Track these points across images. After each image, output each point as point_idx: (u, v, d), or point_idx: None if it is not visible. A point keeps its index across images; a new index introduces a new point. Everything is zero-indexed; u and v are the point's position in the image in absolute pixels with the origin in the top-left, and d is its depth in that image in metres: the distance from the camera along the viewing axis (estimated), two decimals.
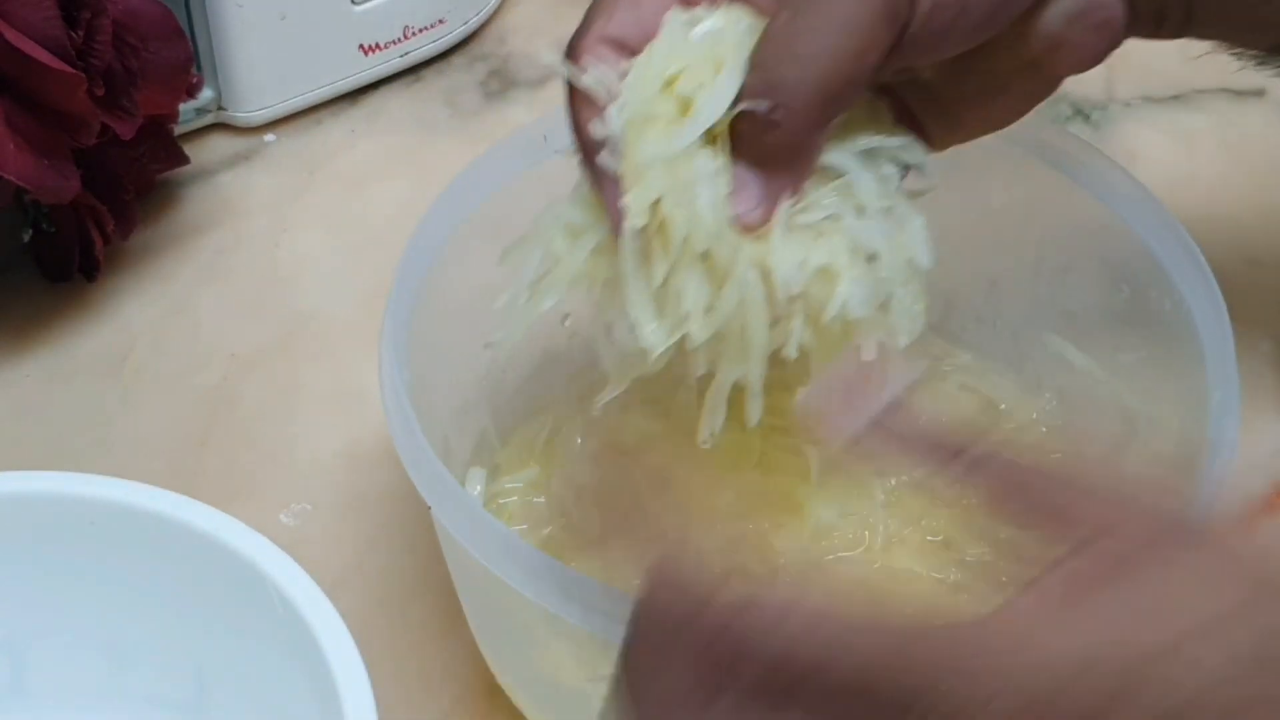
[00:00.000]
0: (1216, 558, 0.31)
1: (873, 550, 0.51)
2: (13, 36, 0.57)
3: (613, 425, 0.56)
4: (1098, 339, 0.54)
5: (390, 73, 0.75)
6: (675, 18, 0.44)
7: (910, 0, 0.41)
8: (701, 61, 0.42)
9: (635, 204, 0.42)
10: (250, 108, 0.72)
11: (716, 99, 0.42)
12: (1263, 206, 0.70)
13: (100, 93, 0.59)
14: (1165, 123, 0.73)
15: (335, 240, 0.69)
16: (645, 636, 0.33)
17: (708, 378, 0.45)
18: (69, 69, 0.58)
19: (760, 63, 0.42)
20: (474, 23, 0.77)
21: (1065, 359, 0.56)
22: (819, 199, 0.43)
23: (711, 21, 0.43)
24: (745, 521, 0.53)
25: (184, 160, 0.68)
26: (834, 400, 0.39)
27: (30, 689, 0.50)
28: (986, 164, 0.53)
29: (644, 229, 0.42)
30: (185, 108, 0.69)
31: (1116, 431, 0.53)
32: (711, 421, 0.45)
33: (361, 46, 0.73)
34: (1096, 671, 0.29)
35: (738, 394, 0.51)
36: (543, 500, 0.54)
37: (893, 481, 0.52)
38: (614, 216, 0.42)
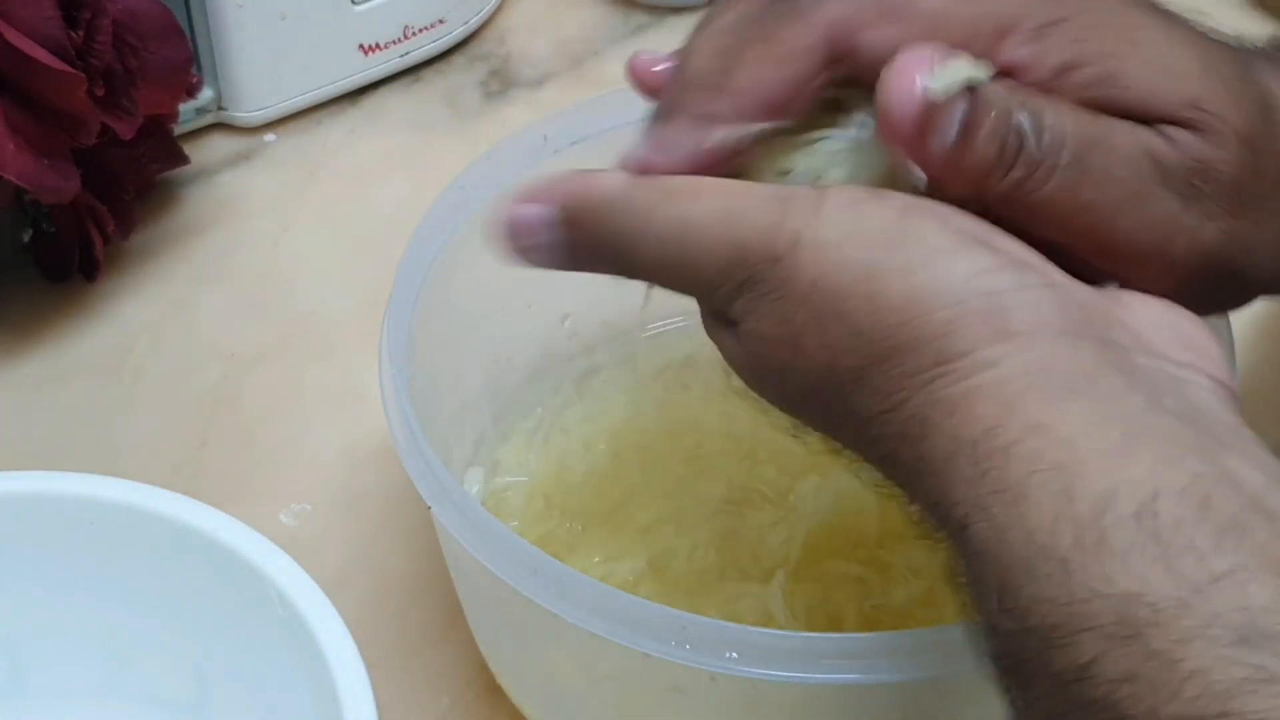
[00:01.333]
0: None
1: (868, 544, 0.51)
2: (13, 36, 0.57)
3: (608, 420, 0.56)
4: None
5: (390, 73, 0.75)
6: None
7: None
8: None
9: None
10: (250, 108, 0.72)
11: None
12: None
13: (100, 93, 0.59)
14: None
15: (335, 240, 0.69)
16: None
17: None
18: (69, 69, 0.58)
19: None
20: (474, 23, 0.77)
21: None
22: None
23: None
24: (737, 513, 0.53)
25: (184, 160, 0.68)
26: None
27: (30, 688, 0.50)
28: None
29: None
30: (185, 108, 0.69)
31: None
32: None
33: (361, 46, 0.73)
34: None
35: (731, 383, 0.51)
36: (541, 498, 0.54)
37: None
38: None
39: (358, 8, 0.72)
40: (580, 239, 0.40)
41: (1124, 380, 0.34)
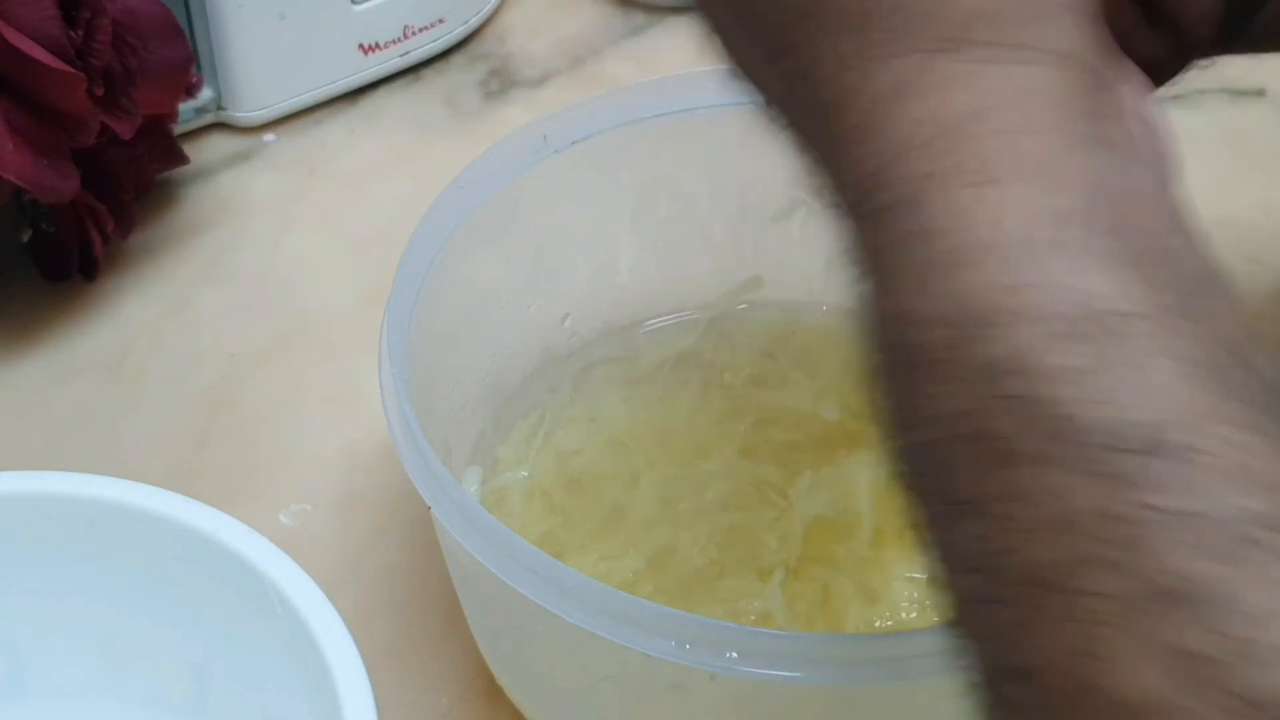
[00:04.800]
0: None
1: (860, 542, 0.51)
2: (12, 36, 0.57)
3: (607, 418, 0.56)
4: None
5: (390, 73, 0.75)
6: None
7: None
8: None
9: None
10: (250, 107, 0.72)
11: None
12: (1263, 206, 0.70)
13: (100, 92, 0.59)
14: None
15: (335, 240, 0.69)
16: None
17: None
18: (69, 69, 0.58)
19: None
20: (474, 23, 0.77)
21: None
22: None
23: None
24: (737, 511, 0.53)
25: (184, 160, 0.68)
26: None
27: (29, 688, 0.50)
28: None
29: None
30: (185, 107, 0.69)
31: None
32: None
33: (361, 46, 0.73)
34: None
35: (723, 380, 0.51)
36: (541, 496, 0.54)
37: (883, 478, 0.52)
38: None
39: (358, 8, 0.72)
40: None
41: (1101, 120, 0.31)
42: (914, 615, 0.50)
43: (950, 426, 0.28)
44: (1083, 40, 0.31)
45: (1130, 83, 0.34)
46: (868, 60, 0.31)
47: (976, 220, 0.28)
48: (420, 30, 0.75)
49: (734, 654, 0.41)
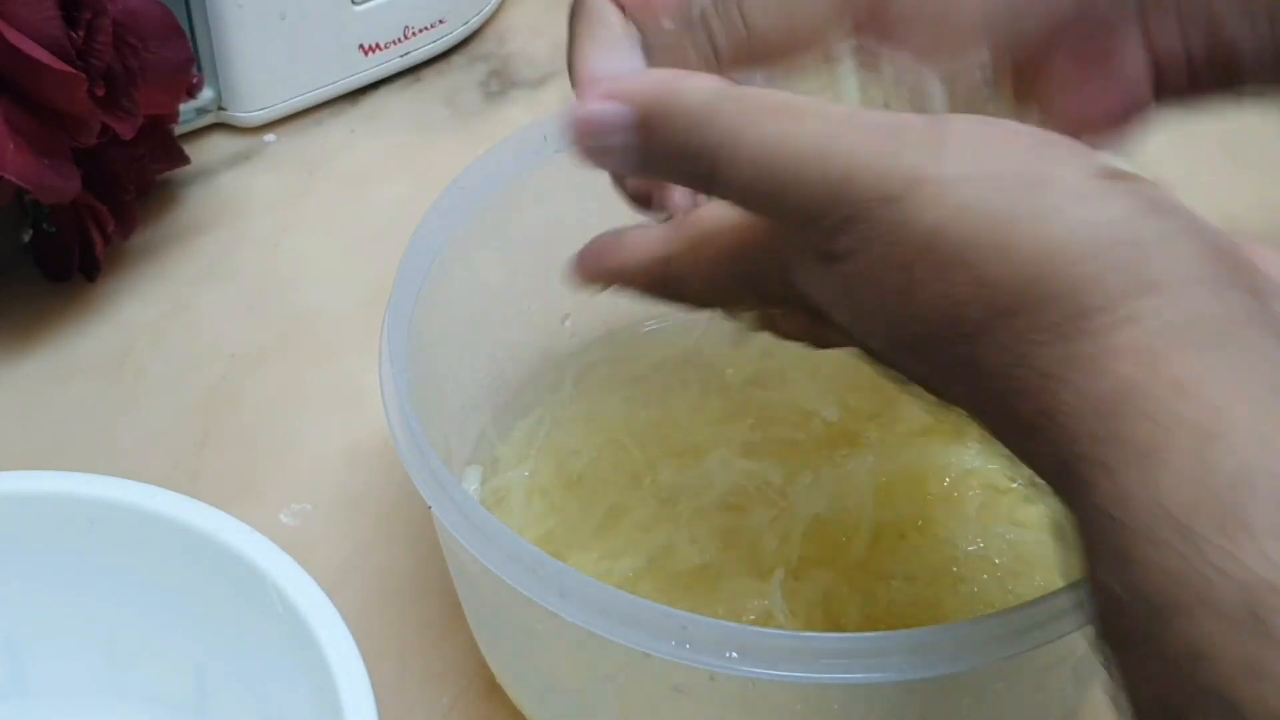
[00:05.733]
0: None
1: (860, 542, 0.51)
2: (13, 36, 0.57)
3: (607, 418, 0.56)
4: None
5: (390, 73, 0.75)
6: None
7: None
8: None
9: None
10: (250, 108, 0.72)
11: None
12: (1263, 206, 0.70)
13: (100, 93, 0.59)
14: (1165, 123, 0.73)
15: (335, 240, 0.69)
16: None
17: None
18: (69, 69, 0.58)
19: None
20: (474, 23, 0.77)
21: None
22: None
23: None
24: (737, 510, 0.53)
25: (184, 160, 0.68)
26: None
27: (30, 688, 0.50)
28: None
29: None
30: (185, 108, 0.69)
31: None
32: None
33: (361, 46, 0.73)
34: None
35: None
36: (541, 496, 0.54)
37: (883, 478, 0.52)
38: None
39: (358, 8, 0.72)
40: (657, 146, 0.36)
41: (1273, 337, 0.31)
42: (913, 614, 0.50)
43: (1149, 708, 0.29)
44: (1182, 260, 0.32)
45: (1253, 251, 0.34)
46: (1015, 367, 0.32)
47: (1140, 504, 0.29)
48: (420, 31, 0.75)
49: (734, 654, 0.41)
